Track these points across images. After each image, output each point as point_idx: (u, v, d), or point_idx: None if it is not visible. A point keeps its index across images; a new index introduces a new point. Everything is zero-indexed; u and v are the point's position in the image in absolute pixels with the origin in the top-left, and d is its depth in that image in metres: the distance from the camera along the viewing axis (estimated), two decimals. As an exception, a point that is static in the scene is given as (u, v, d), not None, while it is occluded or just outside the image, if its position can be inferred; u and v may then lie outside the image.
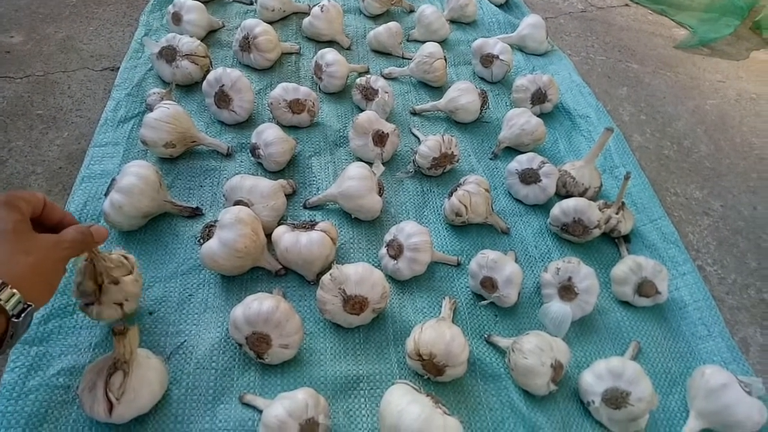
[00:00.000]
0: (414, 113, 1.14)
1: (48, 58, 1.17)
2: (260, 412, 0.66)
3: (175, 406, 0.67)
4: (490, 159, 1.07)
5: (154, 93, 1.03)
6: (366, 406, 0.70)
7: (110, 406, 0.59)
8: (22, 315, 0.47)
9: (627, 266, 0.84)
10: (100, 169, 0.92)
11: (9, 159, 0.95)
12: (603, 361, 0.72)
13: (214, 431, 0.66)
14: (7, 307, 0.46)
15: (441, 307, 0.81)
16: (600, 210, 0.91)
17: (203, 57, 1.09)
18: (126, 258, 0.72)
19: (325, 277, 0.75)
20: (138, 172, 0.81)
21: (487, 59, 1.22)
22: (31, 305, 0.48)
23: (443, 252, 0.88)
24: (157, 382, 0.64)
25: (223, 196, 0.87)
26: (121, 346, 0.61)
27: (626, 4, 1.75)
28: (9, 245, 0.48)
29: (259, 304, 0.69)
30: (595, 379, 0.71)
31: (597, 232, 0.89)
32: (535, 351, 0.70)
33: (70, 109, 1.06)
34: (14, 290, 0.46)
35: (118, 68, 1.12)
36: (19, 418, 0.64)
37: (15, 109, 1.04)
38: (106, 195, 0.82)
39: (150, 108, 0.99)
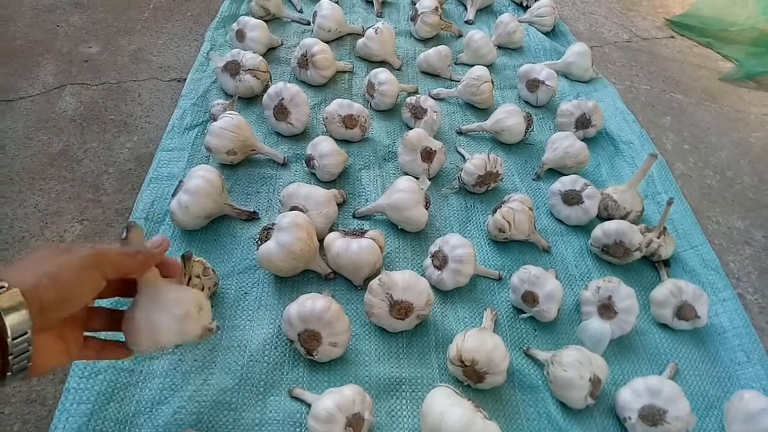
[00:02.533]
0: (460, 133, 1.18)
1: (121, 67, 1.26)
2: (308, 405, 0.70)
3: (229, 396, 0.72)
4: (533, 180, 1.10)
5: (218, 104, 1.10)
6: (407, 406, 0.74)
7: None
8: (20, 337, 0.39)
9: (667, 289, 0.86)
10: (166, 172, 0.99)
11: (84, 159, 1.03)
12: (641, 379, 0.74)
13: (265, 421, 0.70)
14: (8, 323, 0.38)
15: (482, 318, 0.84)
16: (641, 234, 0.93)
17: (264, 72, 1.16)
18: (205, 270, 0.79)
19: (374, 282, 0.79)
20: (204, 176, 0.87)
21: (533, 84, 1.25)
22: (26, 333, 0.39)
23: (485, 266, 0.92)
24: (185, 295, 0.57)
25: (280, 201, 0.92)
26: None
27: (672, 36, 1.77)
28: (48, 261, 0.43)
29: (313, 303, 0.73)
30: (632, 395, 0.73)
31: (637, 255, 0.91)
32: (575, 364, 0.72)
33: (140, 116, 1.14)
34: (21, 298, 0.39)
35: (185, 79, 1.20)
36: (89, 395, 0.69)
37: (91, 114, 1.13)
38: (173, 195, 0.88)
39: (214, 117, 1.06)
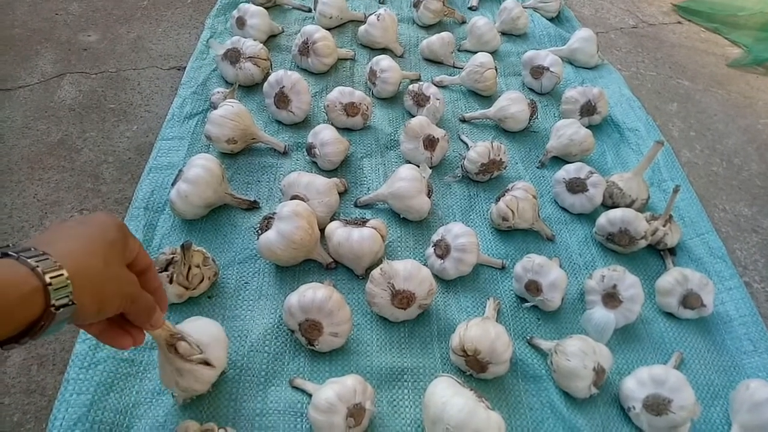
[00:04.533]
0: (463, 120, 1.17)
1: (120, 56, 1.25)
2: (309, 395, 0.70)
3: (230, 386, 0.71)
4: (537, 167, 1.09)
5: (218, 92, 1.08)
6: (409, 396, 0.73)
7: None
8: (62, 309, 0.39)
9: (673, 277, 0.85)
10: (166, 161, 0.98)
11: (84, 148, 1.03)
12: (646, 368, 0.73)
13: (266, 411, 0.70)
14: (53, 294, 0.38)
15: (485, 307, 0.83)
16: (647, 222, 0.91)
17: (265, 60, 1.14)
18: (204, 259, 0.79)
19: (375, 272, 0.78)
20: (204, 165, 0.86)
21: (537, 71, 1.24)
22: (74, 304, 0.40)
23: (488, 255, 0.91)
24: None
25: (280, 191, 0.92)
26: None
27: (678, 22, 1.75)
28: (93, 247, 0.44)
29: (314, 292, 0.73)
30: (637, 385, 0.72)
31: (643, 243, 0.90)
32: (578, 354, 0.71)
33: (139, 104, 1.13)
34: (68, 279, 0.39)
35: (185, 68, 1.18)
36: (89, 385, 0.69)
37: (90, 103, 1.12)
38: (173, 185, 0.87)
39: (214, 106, 1.05)
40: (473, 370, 0.74)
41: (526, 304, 0.84)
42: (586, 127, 1.10)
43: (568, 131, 1.06)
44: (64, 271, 0.39)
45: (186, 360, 0.62)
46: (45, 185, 0.95)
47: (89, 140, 1.04)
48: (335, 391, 0.65)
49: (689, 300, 0.83)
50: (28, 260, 0.38)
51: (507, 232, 0.95)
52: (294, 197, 0.88)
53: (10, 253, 0.38)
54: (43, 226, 0.89)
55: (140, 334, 0.51)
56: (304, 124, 1.09)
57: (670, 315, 0.86)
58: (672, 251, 0.95)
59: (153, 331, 0.55)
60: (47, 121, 1.07)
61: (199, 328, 0.65)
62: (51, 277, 0.38)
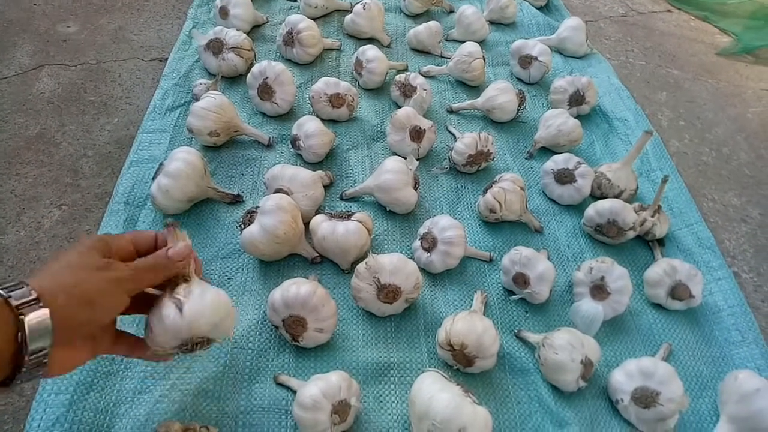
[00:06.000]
0: (451, 111, 1.15)
1: (101, 47, 1.22)
2: (294, 392, 0.69)
3: (212, 384, 0.70)
4: (526, 158, 1.07)
5: (201, 83, 1.06)
6: (396, 392, 0.72)
7: (180, 306, 0.49)
8: (32, 317, 0.39)
9: (661, 268, 0.84)
10: (147, 155, 0.96)
11: (62, 142, 1.00)
12: (634, 361, 0.72)
13: (250, 408, 0.69)
14: (29, 337, 0.39)
15: (472, 300, 0.82)
16: (635, 212, 0.91)
17: (248, 50, 1.12)
18: None
19: (361, 266, 0.77)
20: (185, 158, 0.84)
21: (526, 60, 1.22)
22: (44, 351, 0.40)
23: (476, 248, 0.90)
24: (222, 297, 0.55)
25: (264, 184, 0.90)
26: (174, 240, 0.54)
27: (668, 10, 1.74)
28: (63, 262, 0.45)
29: (297, 288, 0.71)
30: (625, 377, 0.72)
31: (631, 234, 0.89)
32: (566, 347, 0.71)
33: (120, 97, 1.11)
34: (47, 314, 0.40)
35: (167, 59, 1.16)
36: (68, 384, 0.67)
37: (69, 95, 1.09)
38: (153, 179, 0.85)
39: (196, 98, 1.02)
40: (460, 364, 0.73)
41: (514, 296, 0.83)
42: (575, 117, 1.08)
43: (556, 121, 1.05)
44: (25, 288, 0.40)
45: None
46: (23, 180, 0.93)
47: (68, 134, 1.02)
48: (320, 387, 0.64)
49: (678, 291, 0.83)
50: None
51: (495, 224, 0.94)
52: (278, 190, 0.86)
53: None
54: (21, 222, 0.86)
55: None
56: (288, 116, 1.08)
57: (658, 306, 0.86)
58: (661, 242, 0.94)
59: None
60: (25, 115, 1.04)
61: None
62: (9, 290, 0.40)
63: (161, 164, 0.86)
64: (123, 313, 0.50)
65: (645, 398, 0.69)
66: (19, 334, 0.39)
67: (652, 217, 0.92)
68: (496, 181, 0.92)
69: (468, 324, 0.71)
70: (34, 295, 0.40)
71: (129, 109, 1.09)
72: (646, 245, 0.94)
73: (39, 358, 0.40)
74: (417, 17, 1.40)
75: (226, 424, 0.67)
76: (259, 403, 0.69)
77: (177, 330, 0.46)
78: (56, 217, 0.89)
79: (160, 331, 0.47)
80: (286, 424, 0.67)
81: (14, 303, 0.39)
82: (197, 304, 0.48)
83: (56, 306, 0.40)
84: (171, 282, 0.52)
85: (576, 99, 1.14)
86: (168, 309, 0.47)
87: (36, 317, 0.39)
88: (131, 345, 0.54)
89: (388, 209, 0.93)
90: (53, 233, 0.85)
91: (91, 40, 1.24)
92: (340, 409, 0.64)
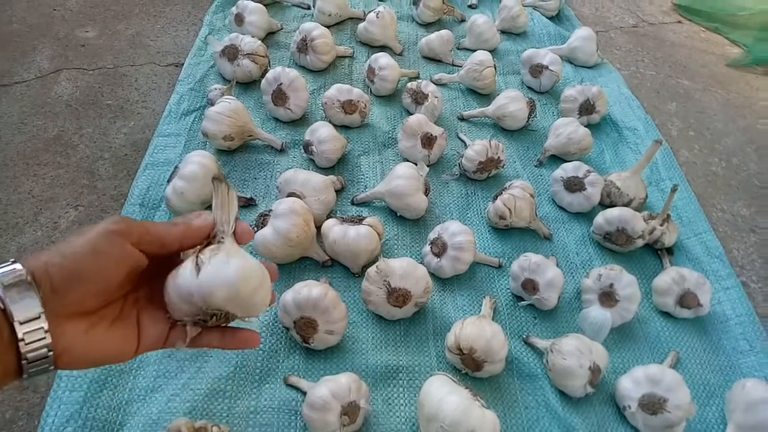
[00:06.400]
0: (461, 119, 1.16)
1: (118, 52, 1.24)
2: (304, 393, 0.69)
3: (223, 383, 0.71)
4: (535, 166, 1.08)
5: (216, 89, 1.08)
6: (404, 395, 0.73)
7: (199, 266, 0.40)
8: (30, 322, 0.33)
9: (670, 277, 0.84)
10: (163, 158, 0.98)
11: (80, 144, 1.02)
12: (641, 368, 0.73)
13: (260, 408, 0.70)
14: (9, 305, 0.33)
15: (481, 306, 0.83)
16: (644, 221, 0.91)
17: (263, 57, 1.14)
18: None
19: (371, 270, 0.77)
20: (200, 161, 0.86)
21: (537, 69, 1.23)
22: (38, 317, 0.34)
23: (485, 254, 0.90)
24: (253, 268, 0.42)
25: (277, 188, 0.91)
26: (219, 196, 0.44)
27: (679, 21, 1.74)
28: (68, 242, 0.37)
29: (309, 290, 0.72)
30: (632, 384, 0.72)
31: (640, 243, 0.90)
32: (574, 353, 0.71)
33: (136, 101, 1.13)
34: (23, 274, 0.34)
35: (182, 64, 1.18)
36: (82, 382, 0.69)
37: (87, 99, 1.11)
38: (168, 181, 0.87)
39: (211, 102, 1.04)
40: (469, 368, 0.74)
41: (523, 302, 0.84)
42: (585, 126, 1.09)
43: (566, 130, 1.06)
44: (17, 265, 0.34)
45: None
46: (40, 181, 0.95)
47: (85, 136, 1.04)
48: (329, 388, 0.65)
49: (686, 299, 0.83)
50: None
51: (504, 231, 0.95)
52: (290, 194, 0.87)
53: None
54: (38, 222, 0.88)
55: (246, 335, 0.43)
56: (301, 122, 1.09)
57: (666, 314, 0.86)
58: (669, 251, 0.94)
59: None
60: (43, 117, 1.06)
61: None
62: None
63: (176, 167, 0.87)
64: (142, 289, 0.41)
65: (652, 405, 0.69)
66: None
67: (661, 225, 0.92)
68: (506, 188, 0.93)
69: (477, 328, 0.72)
70: (17, 266, 0.34)
71: (145, 112, 1.11)
72: (654, 254, 0.95)
73: (37, 330, 0.33)
74: (429, 26, 1.41)
75: (236, 423, 0.68)
76: (269, 404, 0.70)
77: (188, 291, 0.39)
78: (72, 218, 0.90)
79: (171, 290, 0.39)
80: (296, 424, 0.68)
81: None
82: (218, 269, 0.40)
83: (35, 266, 0.34)
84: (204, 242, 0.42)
85: (586, 108, 1.14)
86: (185, 267, 0.40)
87: (9, 272, 0.33)
88: (221, 335, 0.43)
89: (398, 214, 0.94)
90: (69, 233, 0.87)
91: (108, 45, 1.26)
92: (350, 410, 0.65)
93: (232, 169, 0.99)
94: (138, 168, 0.95)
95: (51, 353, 0.34)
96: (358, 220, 0.85)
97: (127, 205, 0.88)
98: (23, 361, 0.33)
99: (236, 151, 1.01)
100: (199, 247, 0.42)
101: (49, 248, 0.36)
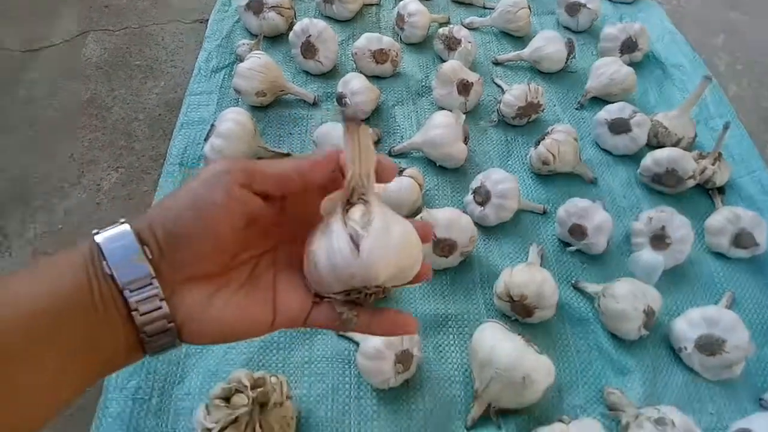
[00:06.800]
0: (496, 63, 1.12)
1: (142, 12, 1.23)
2: (356, 343, 0.70)
3: (277, 336, 0.72)
4: (576, 109, 1.04)
5: (244, 44, 1.06)
6: (455, 342, 0.73)
7: (356, 239, 0.32)
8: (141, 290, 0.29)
9: (724, 216, 0.82)
10: (197, 116, 0.97)
11: (114, 106, 1.02)
12: (698, 309, 0.71)
13: (314, 359, 0.70)
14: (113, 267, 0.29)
15: (527, 253, 0.82)
16: (695, 161, 0.88)
17: (288, 8, 1.11)
18: None
19: (415, 221, 0.76)
20: (236, 119, 0.85)
21: (573, 7, 1.17)
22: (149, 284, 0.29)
23: (529, 200, 0.88)
24: (412, 234, 0.35)
25: (313, 142, 0.90)
26: (355, 143, 0.34)
27: (721, -51, 1.64)
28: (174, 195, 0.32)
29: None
30: (688, 326, 0.71)
31: (691, 183, 0.87)
32: (628, 296, 0.70)
33: (164, 60, 1.12)
34: (125, 228, 0.30)
35: (207, 20, 1.16)
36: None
37: (115, 60, 1.11)
38: (206, 140, 0.86)
39: (240, 58, 1.02)
40: (519, 315, 0.73)
41: (570, 248, 0.82)
42: (627, 65, 1.04)
43: (608, 70, 1.02)
44: (125, 226, 0.30)
45: None
46: (79, 144, 0.96)
47: (118, 98, 1.03)
48: (382, 339, 0.65)
49: (741, 239, 0.80)
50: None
51: (547, 177, 0.92)
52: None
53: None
54: (81, 185, 0.89)
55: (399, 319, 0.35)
56: (332, 74, 1.07)
57: (719, 255, 0.84)
58: (721, 190, 0.91)
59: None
60: (75, 80, 1.06)
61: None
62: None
63: (212, 125, 0.86)
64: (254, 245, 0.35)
65: (710, 346, 0.68)
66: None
67: (713, 164, 0.89)
68: (548, 132, 0.90)
69: (527, 275, 0.71)
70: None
71: (174, 72, 1.10)
72: (704, 194, 0.92)
73: (148, 295, 0.29)
74: (457, -33, 1.35)
75: (292, 373, 0.69)
76: (322, 354, 0.71)
77: (348, 272, 0.32)
78: (114, 180, 0.91)
79: (325, 268, 0.32)
80: (350, 372, 0.69)
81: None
82: (381, 242, 0.32)
83: (140, 226, 0.30)
84: (345, 201, 0.34)
85: (628, 46, 1.09)
86: (340, 240, 0.32)
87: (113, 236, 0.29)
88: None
89: (437, 164, 0.92)
90: (113, 195, 0.88)
91: (132, 5, 1.25)
92: (403, 358, 0.65)
93: (266, 125, 0.97)
94: (173, 128, 0.94)
95: (171, 325, 0.30)
96: (398, 172, 0.83)
97: (166, 165, 0.88)
98: (142, 335, 0.30)
99: (269, 106, 1.00)
100: (340, 208, 0.34)
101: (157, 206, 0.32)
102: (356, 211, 0.34)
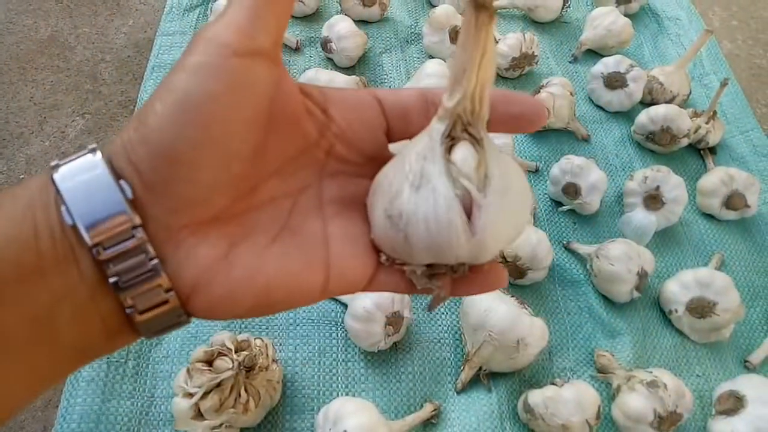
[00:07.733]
0: (488, 10, 1.06)
1: (105, -60, 1.12)
2: (344, 305, 0.68)
3: (259, 294, 0.69)
4: (570, 62, 1.00)
5: (219, -20, 0.97)
6: (446, 304, 0.71)
7: (467, 207, 0.23)
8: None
9: (717, 177, 0.80)
10: (170, 59, 0.90)
11: (77, 46, 0.94)
12: (690, 271, 0.70)
13: (299, 321, 0.68)
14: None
15: (519, 211, 0.79)
16: (689, 118, 0.86)
17: (268, -59, 1.02)
18: None
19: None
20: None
21: (570, -48, 1.12)
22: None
23: (521, 157, 0.86)
24: (528, 189, 0.26)
25: (297, 90, 0.84)
26: (479, 50, 0.21)
27: None
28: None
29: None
30: (680, 287, 0.70)
31: (685, 142, 0.85)
32: (622, 258, 0.68)
33: (132, -4, 1.03)
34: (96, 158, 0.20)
35: (178, -47, 1.06)
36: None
37: (78, -6, 1.01)
38: (180, 85, 0.80)
39: (216, -4, 0.94)
40: (511, 276, 0.71)
41: (563, 207, 0.80)
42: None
43: (605, 21, 0.97)
44: (95, 155, 0.20)
45: None
46: (40, 87, 0.88)
47: (82, 37, 0.95)
48: (372, 299, 0.63)
49: (733, 201, 0.79)
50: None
51: (540, 133, 0.89)
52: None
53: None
54: (44, 132, 0.82)
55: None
56: (315, 16, 1.00)
57: (710, 216, 0.83)
58: (712, 150, 0.90)
59: None
60: (33, 16, 0.97)
61: None
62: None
63: (187, 69, 0.80)
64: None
65: (701, 308, 0.68)
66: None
67: (707, 123, 0.87)
68: (543, 86, 0.86)
69: (522, 235, 0.69)
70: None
71: (144, 9, 1.01)
72: (696, 153, 0.90)
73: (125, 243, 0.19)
74: None
75: (277, 335, 0.67)
76: (308, 316, 0.68)
77: (453, 253, 0.23)
78: (80, 126, 0.85)
79: (420, 242, 0.22)
80: (337, 335, 0.67)
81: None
82: (500, 214, 0.23)
83: (122, 157, 0.20)
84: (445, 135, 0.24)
85: (625, -5, 1.05)
86: (448, 208, 0.22)
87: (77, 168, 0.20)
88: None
89: (427, 117, 0.88)
90: (78, 143, 0.82)
91: (93, -68, 1.13)
92: (394, 320, 0.63)
93: (245, 70, 0.91)
94: (144, 71, 0.87)
95: (170, 295, 0.20)
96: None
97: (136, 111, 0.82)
98: (129, 311, 0.20)
99: (248, 50, 0.93)
100: (439, 136, 0.23)
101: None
102: (464, 155, 0.23)
